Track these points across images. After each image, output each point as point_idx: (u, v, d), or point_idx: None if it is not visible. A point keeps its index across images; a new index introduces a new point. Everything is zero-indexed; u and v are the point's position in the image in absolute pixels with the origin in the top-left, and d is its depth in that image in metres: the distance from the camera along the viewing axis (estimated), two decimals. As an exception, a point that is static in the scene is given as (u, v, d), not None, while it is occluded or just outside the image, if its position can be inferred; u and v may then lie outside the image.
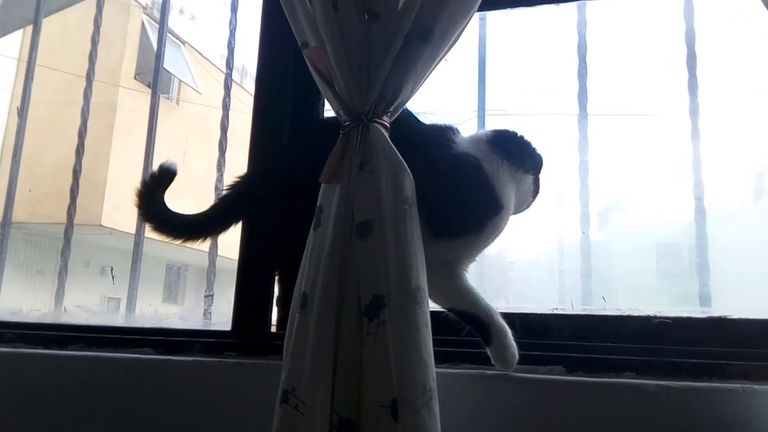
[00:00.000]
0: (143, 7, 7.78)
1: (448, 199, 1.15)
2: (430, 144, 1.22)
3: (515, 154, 1.23)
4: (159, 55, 2.00)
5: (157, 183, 1.36)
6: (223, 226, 1.35)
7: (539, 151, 1.29)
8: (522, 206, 1.27)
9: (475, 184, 1.17)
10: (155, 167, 1.38)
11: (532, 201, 1.29)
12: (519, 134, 1.29)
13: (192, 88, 8.17)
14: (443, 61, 1.16)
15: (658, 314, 1.23)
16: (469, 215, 1.16)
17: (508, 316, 1.29)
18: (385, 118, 1.10)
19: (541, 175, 1.29)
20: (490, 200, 1.16)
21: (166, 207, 1.35)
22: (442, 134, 1.23)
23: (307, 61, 1.16)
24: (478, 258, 1.23)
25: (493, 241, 1.20)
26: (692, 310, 1.31)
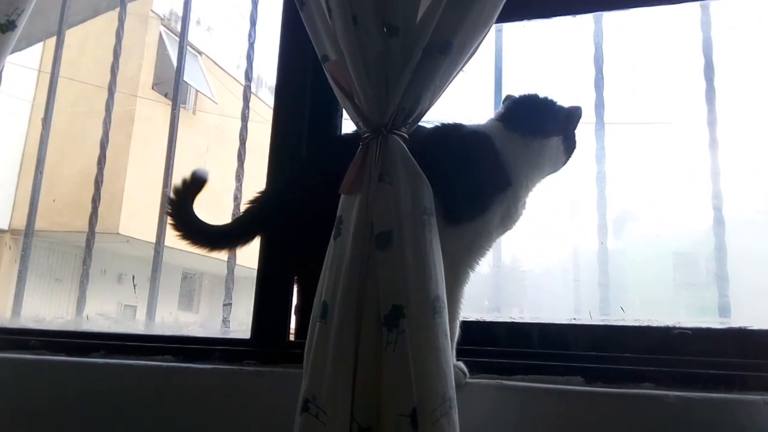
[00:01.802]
0: (161, 18, 7.89)
1: (456, 179, 1.16)
2: (442, 132, 1.25)
3: (529, 121, 1.24)
4: (179, 68, 2.03)
5: (188, 190, 1.36)
6: (247, 239, 1.35)
7: (569, 105, 1.29)
8: (555, 167, 1.27)
9: (481, 160, 1.18)
10: (186, 175, 1.38)
11: (567, 159, 1.28)
12: (539, 97, 1.29)
13: (208, 98, 8.25)
14: (461, 72, 1.18)
15: (678, 325, 1.22)
16: (475, 194, 1.16)
17: (525, 327, 1.30)
18: (404, 129, 1.11)
19: (575, 130, 1.28)
20: (498, 176, 1.17)
21: (196, 217, 1.36)
22: (453, 124, 1.27)
23: (328, 75, 1.19)
24: (492, 267, 1.23)
25: (504, 223, 1.19)
26: (711, 320, 1.30)
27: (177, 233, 1.35)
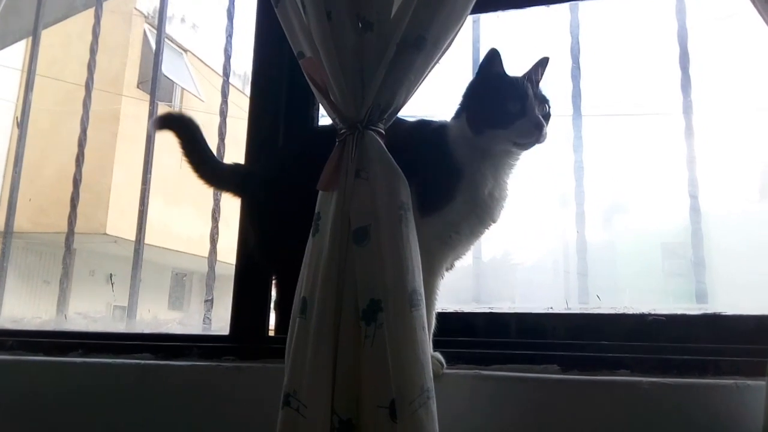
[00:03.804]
0: (145, 17, 7.82)
1: (424, 173, 1.16)
2: (417, 126, 1.27)
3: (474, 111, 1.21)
4: (156, 62, 2.02)
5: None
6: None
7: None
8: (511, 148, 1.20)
9: (437, 153, 1.18)
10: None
11: (525, 141, 1.17)
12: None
13: (194, 95, 8.20)
14: (437, 65, 1.18)
15: (652, 312, 1.23)
16: (438, 186, 1.16)
17: (503, 317, 1.31)
18: (380, 125, 1.12)
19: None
20: (450, 167, 1.16)
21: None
22: (428, 120, 1.27)
23: (304, 71, 1.18)
24: (473, 260, 1.23)
25: (477, 213, 1.17)
26: (689, 307, 1.32)
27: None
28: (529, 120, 1.13)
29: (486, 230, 1.21)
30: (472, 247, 1.26)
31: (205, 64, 8.54)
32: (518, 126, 1.13)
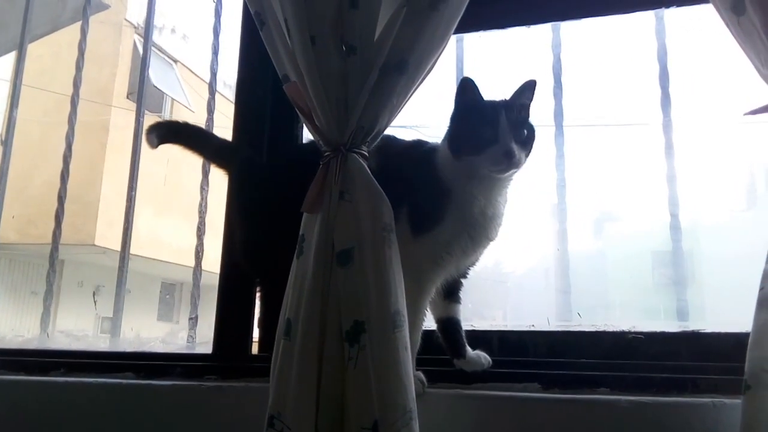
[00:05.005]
0: (135, 27, 7.82)
1: (415, 193, 1.17)
2: (409, 147, 1.28)
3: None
4: (143, 72, 2.02)
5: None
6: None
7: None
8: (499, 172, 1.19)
9: (425, 174, 1.19)
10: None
11: (506, 165, 1.16)
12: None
13: (184, 106, 8.18)
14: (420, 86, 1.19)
15: (632, 329, 1.25)
16: (428, 206, 1.17)
17: (486, 334, 1.31)
18: (364, 147, 1.13)
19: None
20: (438, 188, 1.17)
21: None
22: (421, 141, 1.28)
23: (288, 96, 1.19)
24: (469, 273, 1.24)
25: (469, 233, 1.16)
26: (669, 324, 1.33)
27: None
28: (499, 147, 1.12)
29: (482, 249, 1.21)
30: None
31: (195, 75, 8.53)
32: (489, 153, 1.13)
